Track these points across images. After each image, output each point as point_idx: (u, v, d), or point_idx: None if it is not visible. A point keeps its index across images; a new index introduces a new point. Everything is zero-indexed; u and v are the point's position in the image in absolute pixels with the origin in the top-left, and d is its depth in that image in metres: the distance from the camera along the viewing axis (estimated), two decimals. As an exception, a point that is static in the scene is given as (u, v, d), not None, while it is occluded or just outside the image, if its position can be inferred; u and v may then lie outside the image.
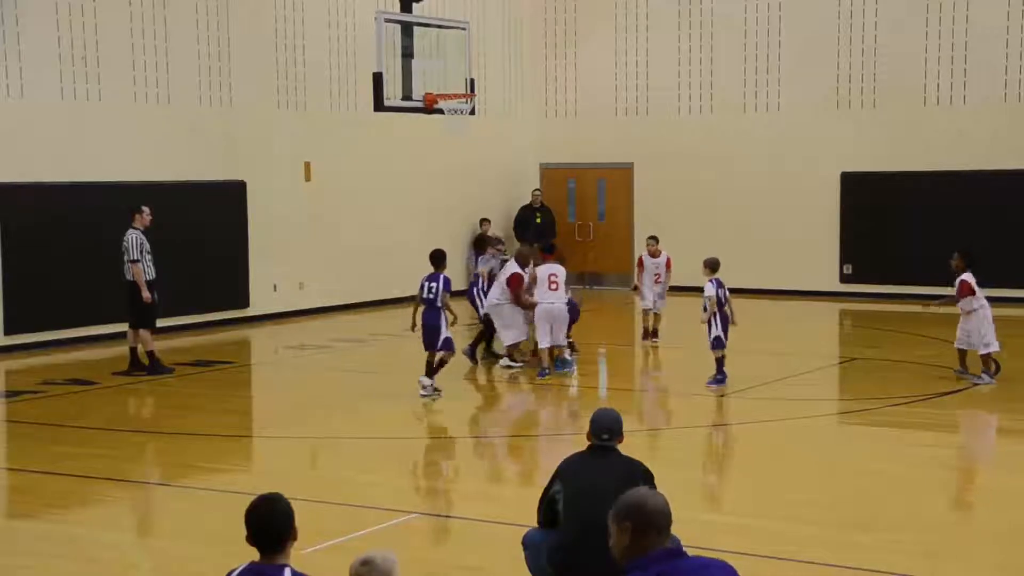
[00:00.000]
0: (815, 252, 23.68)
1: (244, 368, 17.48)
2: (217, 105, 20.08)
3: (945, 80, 22.66)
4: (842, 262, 23.62)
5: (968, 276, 15.07)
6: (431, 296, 14.06)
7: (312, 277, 21.58)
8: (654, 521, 4.64)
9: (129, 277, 15.68)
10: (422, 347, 14.20)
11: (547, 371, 15.43)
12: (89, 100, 18.28)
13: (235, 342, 19.31)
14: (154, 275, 15.80)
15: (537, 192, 25.39)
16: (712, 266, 15.10)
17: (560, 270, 15.81)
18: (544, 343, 15.52)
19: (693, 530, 7.96)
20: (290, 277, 21.23)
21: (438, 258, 14.39)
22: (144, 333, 15.86)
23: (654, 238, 18.39)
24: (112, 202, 17.55)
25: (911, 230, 22.89)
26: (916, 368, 16.00)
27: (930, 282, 22.62)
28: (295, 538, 5.04)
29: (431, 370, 14.18)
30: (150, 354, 15.87)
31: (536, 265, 16.05)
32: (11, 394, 14.85)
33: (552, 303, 15.56)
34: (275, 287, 21.02)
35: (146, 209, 15.86)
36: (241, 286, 20.52)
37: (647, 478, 6.84)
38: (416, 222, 23.40)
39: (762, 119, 24.20)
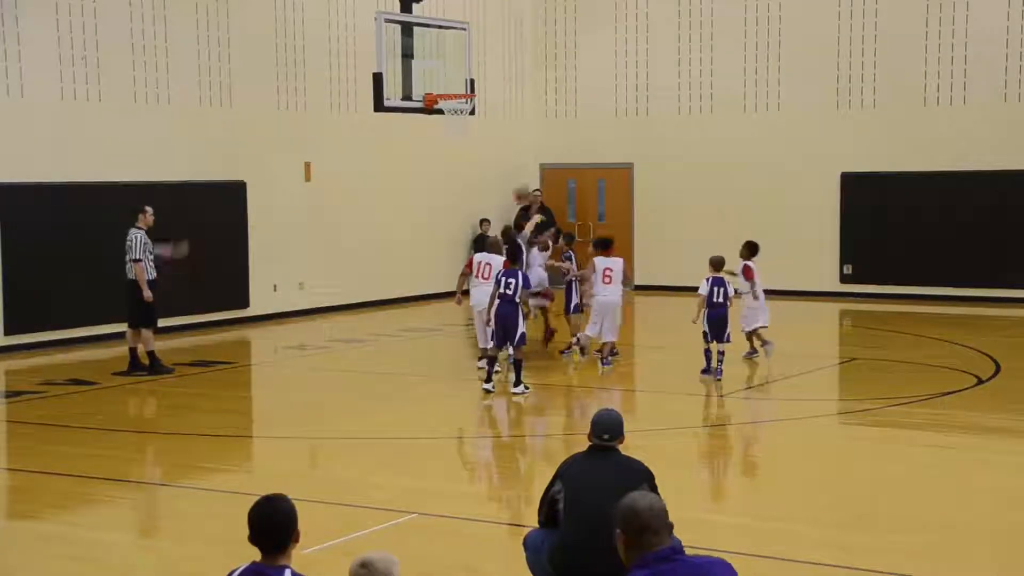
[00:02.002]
0: (815, 252, 23.68)
1: (244, 368, 17.48)
2: (217, 105, 20.08)
3: (945, 80, 22.66)
4: (842, 262, 23.62)
5: (752, 263, 16.42)
6: (509, 292, 14.33)
7: (312, 277, 21.59)
8: (646, 523, 4.67)
9: (131, 276, 15.68)
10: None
11: (608, 361, 16.10)
12: (89, 100, 18.29)
13: (235, 342, 19.31)
14: (155, 275, 15.81)
15: (537, 192, 25.37)
16: (714, 264, 15.44)
17: (617, 263, 16.14)
18: (593, 332, 16.10)
19: (693, 530, 7.96)
20: (290, 277, 21.24)
21: (515, 254, 14.98)
22: (146, 333, 15.85)
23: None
24: (112, 202, 17.57)
25: (911, 230, 22.90)
26: (916, 368, 16.00)
27: (930, 282, 22.72)
28: (297, 539, 5.03)
29: (490, 371, 14.46)
30: (150, 354, 15.87)
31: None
32: (11, 394, 14.85)
33: (606, 296, 15.95)
34: (275, 287, 21.03)
35: (149, 209, 15.87)
36: (241, 286, 20.52)
37: (648, 478, 6.84)
38: (416, 222, 23.41)
39: (762, 119, 24.21)
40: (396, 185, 23.07)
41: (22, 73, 17.48)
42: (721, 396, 14.52)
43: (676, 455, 11.91)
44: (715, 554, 4.92)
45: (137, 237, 15.62)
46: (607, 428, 7.01)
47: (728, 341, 15.22)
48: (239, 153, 20.39)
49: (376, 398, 14.63)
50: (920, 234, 22.79)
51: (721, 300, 15.13)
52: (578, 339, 16.61)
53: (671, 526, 4.81)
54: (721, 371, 15.09)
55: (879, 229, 23.22)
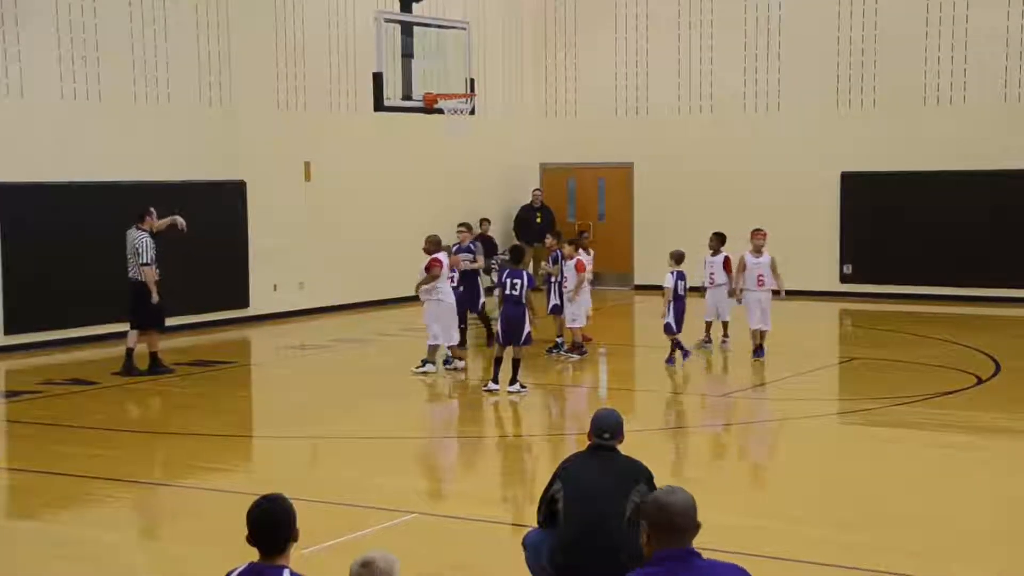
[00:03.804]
0: (815, 252, 23.66)
1: (244, 368, 17.48)
2: (217, 105, 20.08)
3: (945, 80, 22.66)
4: (842, 262, 23.62)
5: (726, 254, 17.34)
6: (515, 292, 14.42)
7: (312, 277, 21.59)
8: (672, 521, 4.62)
9: (135, 277, 15.59)
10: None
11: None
12: (89, 100, 18.28)
13: (235, 342, 19.31)
14: (158, 277, 15.76)
15: (537, 192, 25.39)
16: (675, 258, 16.28)
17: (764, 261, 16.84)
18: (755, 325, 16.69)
19: (693, 530, 7.95)
20: (290, 277, 21.24)
21: (520, 255, 15.04)
22: (153, 335, 15.83)
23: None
24: (112, 202, 17.55)
25: (911, 230, 22.89)
26: (916, 368, 16.00)
27: (930, 282, 22.71)
28: (296, 539, 5.04)
29: (496, 371, 14.43)
30: (153, 355, 15.83)
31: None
32: (11, 394, 14.85)
33: (752, 291, 16.70)
34: (275, 287, 21.03)
35: (154, 211, 15.87)
36: (241, 286, 20.52)
37: (647, 478, 6.83)
38: (416, 222, 23.34)
39: (762, 119, 24.20)
40: (396, 185, 23.06)
41: (22, 73, 17.47)
42: (723, 396, 14.51)
43: (676, 455, 11.91)
44: (715, 554, 4.91)
45: (145, 241, 15.55)
46: (607, 427, 7.01)
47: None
48: (239, 153, 20.38)
49: (376, 398, 14.63)
50: (920, 234, 22.78)
51: (682, 293, 16.10)
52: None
53: (698, 527, 4.73)
54: (688, 352, 16.19)
55: (879, 229, 23.22)
